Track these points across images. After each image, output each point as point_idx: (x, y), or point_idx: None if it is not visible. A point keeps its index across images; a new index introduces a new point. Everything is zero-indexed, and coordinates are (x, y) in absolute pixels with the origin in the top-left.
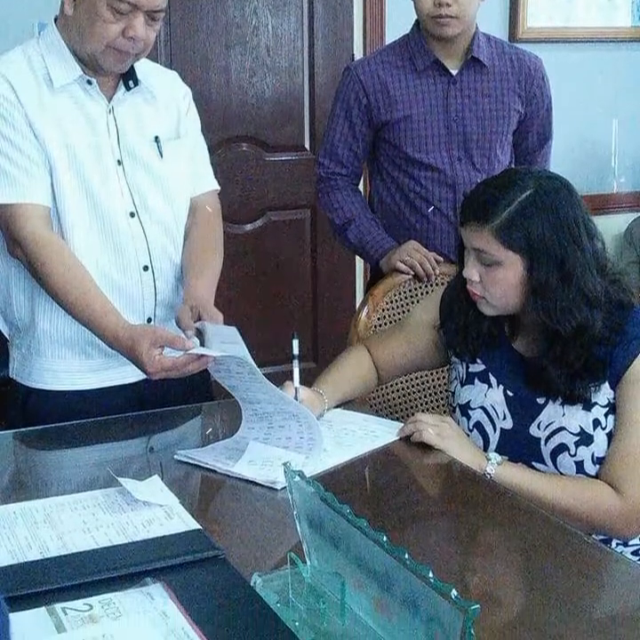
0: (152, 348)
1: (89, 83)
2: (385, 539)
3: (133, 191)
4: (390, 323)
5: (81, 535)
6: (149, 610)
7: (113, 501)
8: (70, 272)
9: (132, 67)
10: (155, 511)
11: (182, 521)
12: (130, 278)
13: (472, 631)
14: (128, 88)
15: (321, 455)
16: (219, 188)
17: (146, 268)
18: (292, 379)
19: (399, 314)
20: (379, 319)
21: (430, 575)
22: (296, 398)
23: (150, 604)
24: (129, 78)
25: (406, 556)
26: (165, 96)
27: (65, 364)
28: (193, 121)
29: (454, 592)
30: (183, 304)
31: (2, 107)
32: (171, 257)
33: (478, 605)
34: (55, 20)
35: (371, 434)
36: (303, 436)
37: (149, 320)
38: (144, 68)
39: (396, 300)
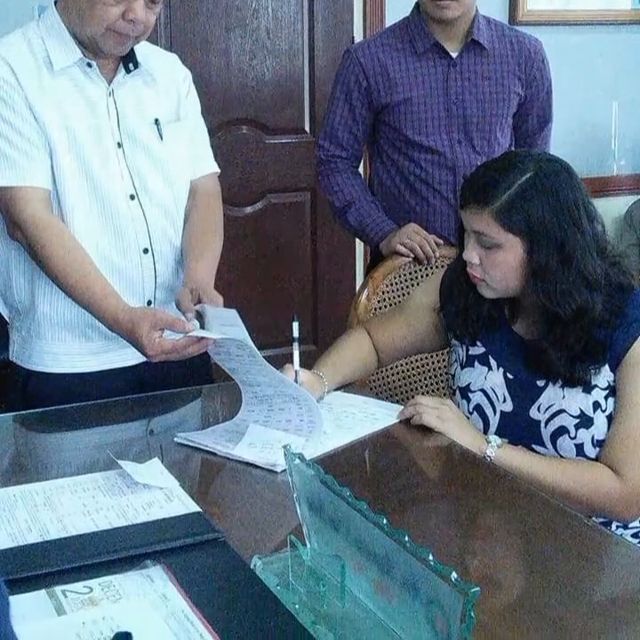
0: (152, 330)
1: (89, 65)
2: (385, 521)
3: (133, 174)
4: (390, 305)
5: (81, 518)
6: (149, 592)
7: (113, 484)
8: (70, 255)
9: (132, 49)
10: (155, 494)
11: (182, 503)
12: (130, 261)
13: (472, 614)
14: (128, 71)
15: (321, 438)
16: (219, 170)
17: (146, 251)
18: (291, 361)
19: (399, 296)
20: (379, 302)
21: (430, 558)
22: (296, 381)
23: (150, 587)
24: (129, 61)
25: (406, 538)
26: (165, 79)
27: (65, 347)
28: (193, 103)
29: (454, 575)
30: (183, 287)
31: (2, 89)
32: (171, 239)
33: (478, 588)
34: (55, 2)
35: (371, 416)
36: (303, 419)
37: (149, 303)
38: (144, 50)
39: (396, 283)
